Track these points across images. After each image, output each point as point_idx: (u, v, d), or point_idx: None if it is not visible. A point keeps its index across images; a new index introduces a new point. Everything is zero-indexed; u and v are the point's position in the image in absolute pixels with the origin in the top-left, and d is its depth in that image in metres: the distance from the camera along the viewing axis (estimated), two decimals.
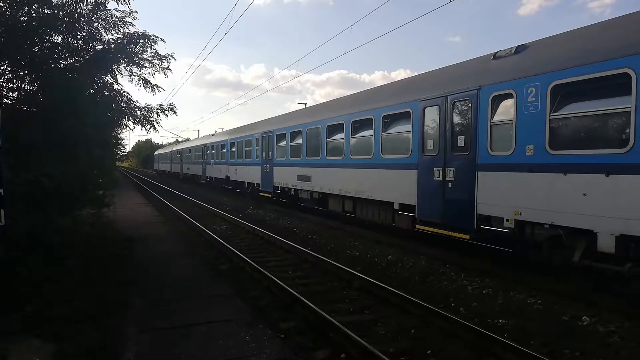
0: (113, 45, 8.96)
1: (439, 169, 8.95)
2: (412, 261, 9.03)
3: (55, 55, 8.30)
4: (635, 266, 5.72)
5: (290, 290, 6.61)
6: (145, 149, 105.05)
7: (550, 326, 5.67)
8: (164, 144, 79.04)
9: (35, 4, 7.72)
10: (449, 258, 8.99)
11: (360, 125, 11.93)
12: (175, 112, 10.06)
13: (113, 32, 8.97)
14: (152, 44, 9.21)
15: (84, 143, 7.94)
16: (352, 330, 5.06)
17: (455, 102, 8.66)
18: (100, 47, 8.95)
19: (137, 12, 9.02)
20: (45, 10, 8.00)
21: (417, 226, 9.59)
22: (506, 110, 7.59)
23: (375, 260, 9.45)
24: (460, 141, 8.49)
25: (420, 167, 9.47)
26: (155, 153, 68.67)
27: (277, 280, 7.13)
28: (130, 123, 10.17)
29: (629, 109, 5.77)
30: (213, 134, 33.41)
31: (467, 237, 8.34)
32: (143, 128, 9.93)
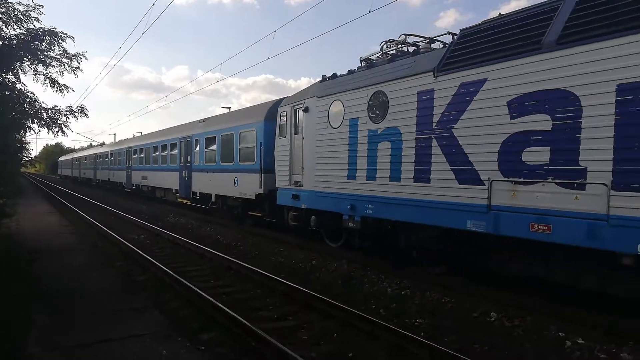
0: (15, 42, 8.29)
1: (184, 171, 19.69)
2: (335, 265, 9.17)
3: None
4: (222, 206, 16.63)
5: (211, 299, 6.44)
6: (55, 153, 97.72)
7: (462, 323, 6.01)
8: (75, 148, 74.36)
9: None
10: (369, 262, 9.26)
11: (162, 147, 22.97)
12: (86, 115, 9.45)
13: (15, 27, 8.31)
14: (60, 41, 8.63)
15: None
16: (274, 337, 5.03)
17: (186, 140, 19.54)
18: (0, 42, 8.24)
19: (42, 7, 8.43)
20: None
21: (178, 199, 20.39)
22: (197, 146, 18.39)
23: (299, 265, 9.49)
24: (188, 159, 19.30)
25: (179, 170, 20.22)
26: (59, 159, 73.83)
27: (198, 290, 6.91)
28: (35, 126, 9.43)
29: (253, 147, 14.23)
30: (102, 145, 44.09)
31: (188, 201, 19.14)
32: (50, 131, 9.24)
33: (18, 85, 8.86)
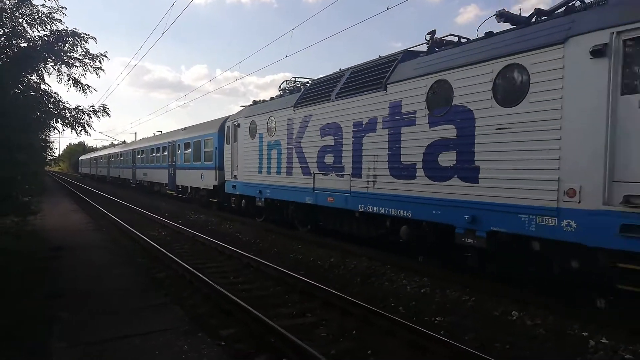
0: (39, 43, 8.45)
1: (171, 169, 24.46)
2: (354, 263, 9.15)
3: None
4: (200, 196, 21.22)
5: (231, 295, 6.49)
6: (77, 152, 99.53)
7: (482, 321, 5.95)
8: (97, 147, 75.93)
9: None
10: (388, 259, 9.21)
11: (157, 150, 27.96)
12: (108, 114, 9.58)
13: (39, 29, 8.46)
14: (83, 42, 8.75)
15: (4, 146, 7.39)
16: (293, 334, 5.05)
17: (172, 144, 24.42)
18: (25, 44, 8.41)
19: (65, 9, 8.55)
20: None
21: (167, 191, 25.15)
22: (180, 149, 23.44)
23: (317, 262, 9.50)
24: (174, 159, 24.10)
25: (168, 168, 25.00)
26: (80, 158, 79.50)
27: (217, 287, 6.98)
28: (59, 125, 9.60)
29: (212, 151, 18.99)
30: (116, 145, 51.20)
31: (173, 192, 24.09)
32: (73, 130, 9.39)
33: (42, 86, 9.02)
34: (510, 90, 6.72)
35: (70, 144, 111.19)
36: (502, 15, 7.34)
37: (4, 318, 5.28)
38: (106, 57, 9.28)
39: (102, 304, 6.24)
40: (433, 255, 8.61)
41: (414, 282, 7.78)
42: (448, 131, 7.65)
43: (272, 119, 13.34)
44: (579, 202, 5.85)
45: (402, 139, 8.62)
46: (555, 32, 6.26)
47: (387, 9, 10.81)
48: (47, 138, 11.93)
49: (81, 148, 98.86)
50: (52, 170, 74.19)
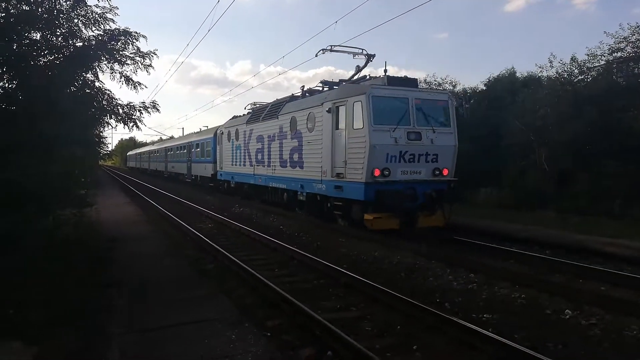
0: (93, 42, 8.80)
1: (188, 162, 32.48)
2: (398, 257, 9.07)
3: (34, 53, 8.12)
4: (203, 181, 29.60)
5: (276, 288, 6.58)
6: (129, 147, 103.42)
7: (533, 320, 5.75)
8: (147, 142, 78.83)
9: (13, 0, 7.54)
10: (433, 254, 9.07)
11: (180, 148, 36.08)
12: (158, 110, 9.90)
13: (93, 28, 8.81)
14: (134, 40, 9.05)
15: (64, 142, 7.78)
16: (338, 327, 5.06)
17: (189, 144, 32.54)
18: (81, 44, 8.79)
19: (117, 9, 8.86)
20: (24, 7, 7.83)
21: (186, 179, 33.05)
22: (193, 148, 31.21)
23: (361, 257, 9.47)
24: (189, 155, 32.12)
25: (186, 162, 32.87)
26: (127, 154, 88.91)
27: (263, 279, 7.10)
28: (112, 121, 10.01)
29: (210, 150, 27.16)
30: (154, 143, 60.25)
31: (189, 180, 31.86)
32: (125, 126, 9.76)
33: (97, 84, 9.42)
34: (311, 124, 13.38)
35: (122, 139, 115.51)
36: (323, 82, 14.91)
37: (65, 304, 5.58)
38: (156, 54, 9.56)
39: (153, 293, 6.50)
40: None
41: (460, 277, 7.62)
42: (295, 143, 14.60)
43: (238, 129, 20.53)
44: (326, 176, 12.28)
45: (283, 146, 15.57)
46: (321, 99, 13.02)
47: None
48: (101, 133, 12.48)
49: (132, 143, 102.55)
50: (105, 165, 77.66)
